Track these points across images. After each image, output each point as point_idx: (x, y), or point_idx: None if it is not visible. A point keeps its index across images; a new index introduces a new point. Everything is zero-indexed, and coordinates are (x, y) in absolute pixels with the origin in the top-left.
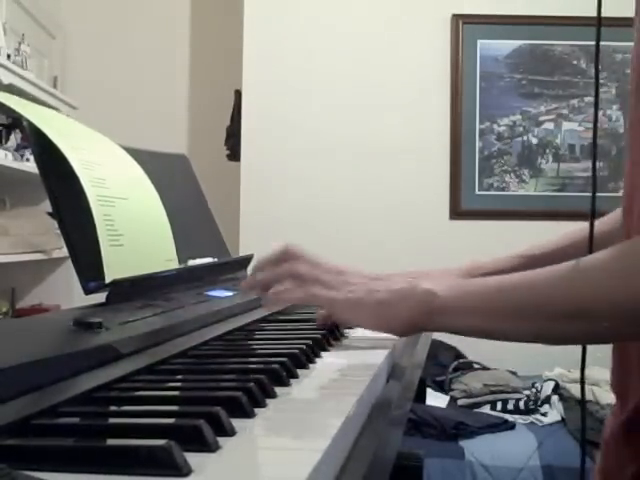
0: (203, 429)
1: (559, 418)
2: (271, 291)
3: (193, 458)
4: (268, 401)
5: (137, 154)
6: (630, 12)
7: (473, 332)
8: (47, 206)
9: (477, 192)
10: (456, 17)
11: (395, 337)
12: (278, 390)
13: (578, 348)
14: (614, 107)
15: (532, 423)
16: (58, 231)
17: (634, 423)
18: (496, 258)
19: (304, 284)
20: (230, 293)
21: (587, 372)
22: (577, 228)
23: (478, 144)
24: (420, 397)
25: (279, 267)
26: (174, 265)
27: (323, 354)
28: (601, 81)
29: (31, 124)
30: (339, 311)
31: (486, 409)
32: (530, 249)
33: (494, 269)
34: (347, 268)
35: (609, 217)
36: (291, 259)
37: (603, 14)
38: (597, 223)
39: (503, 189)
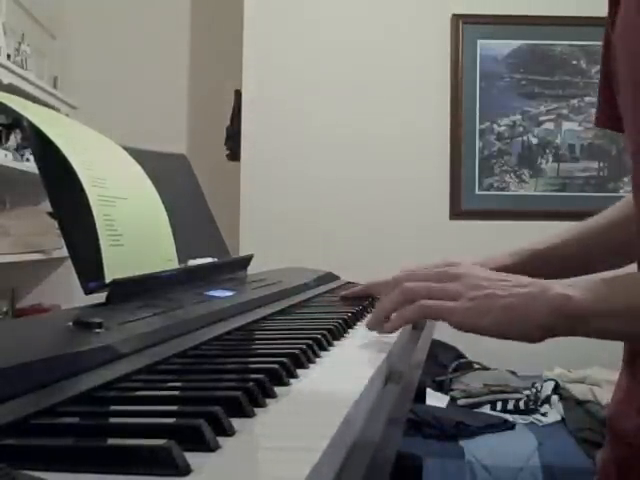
0: (203, 429)
1: (559, 418)
2: (387, 325)
3: (193, 458)
4: (268, 401)
5: (137, 154)
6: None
7: (613, 335)
8: (47, 206)
9: (477, 192)
10: (456, 17)
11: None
12: (278, 390)
13: (577, 348)
14: None
15: (532, 423)
16: (58, 231)
17: None
18: (496, 256)
19: (417, 300)
20: (230, 293)
21: (587, 372)
22: (576, 223)
23: (478, 144)
24: (420, 397)
25: (391, 293)
26: (174, 265)
27: (323, 354)
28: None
29: (31, 124)
30: (460, 320)
31: (486, 409)
32: (532, 244)
33: (495, 267)
34: (457, 269)
35: (608, 211)
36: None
37: (602, 14)
38: (596, 217)
39: (503, 189)
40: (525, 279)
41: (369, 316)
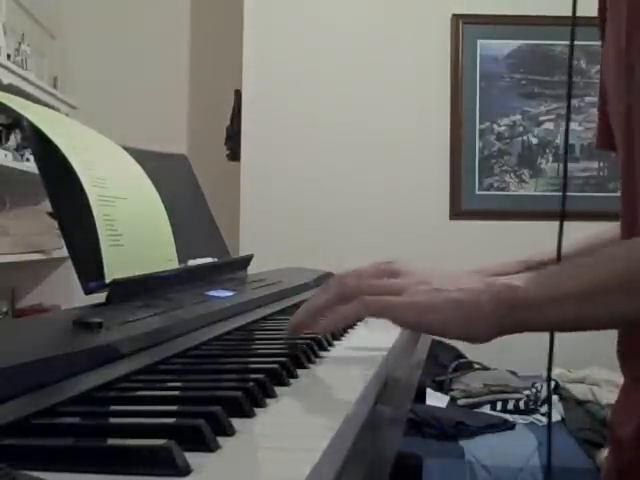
0: (203, 429)
1: (559, 418)
2: (321, 323)
3: (193, 458)
4: (268, 401)
5: (137, 154)
6: None
7: (564, 323)
8: (47, 206)
9: (477, 192)
10: (456, 17)
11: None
12: (278, 390)
13: (577, 348)
14: None
15: (532, 423)
16: (58, 231)
17: None
18: (501, 262)
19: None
20: (230, 293)
21: (587, 372)
22: (586, 235)
23: (478, 144)
24: (420, 397)
25: (326, 290)
26: (174, 265)
27: (323, 354)
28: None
29: (31, 124)
30: (405, 317)
31: (486, 409)
32: (537, 254)
33: (497, 273)
34: (398, 265)
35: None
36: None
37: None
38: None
39: (503, 189)
40: (472, 274)
41: (297, 312)
